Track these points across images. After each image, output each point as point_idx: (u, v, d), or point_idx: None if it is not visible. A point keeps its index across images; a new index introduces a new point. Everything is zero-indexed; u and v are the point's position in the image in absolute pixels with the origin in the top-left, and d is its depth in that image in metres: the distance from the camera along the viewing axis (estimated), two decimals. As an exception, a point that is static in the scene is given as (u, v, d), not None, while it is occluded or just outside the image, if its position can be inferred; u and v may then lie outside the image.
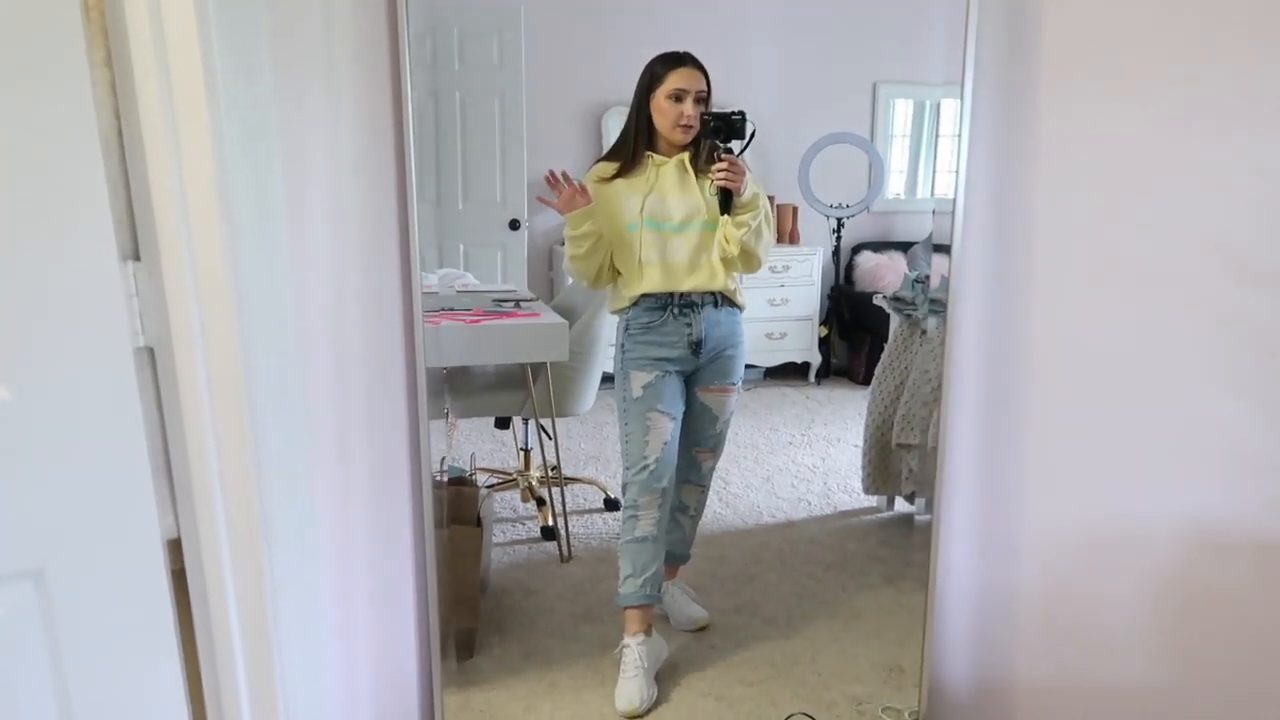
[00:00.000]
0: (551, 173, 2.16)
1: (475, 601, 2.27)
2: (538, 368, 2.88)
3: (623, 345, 2.25)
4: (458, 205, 4.96)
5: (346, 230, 1.55)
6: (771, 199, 5.15)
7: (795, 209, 5.27)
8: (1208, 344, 1.53)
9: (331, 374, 1.56)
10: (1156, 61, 1.53)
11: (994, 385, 1.80)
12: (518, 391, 2.94)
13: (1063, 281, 1.68)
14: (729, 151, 2.08)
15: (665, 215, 2.17)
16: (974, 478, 1.85)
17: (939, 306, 2.98)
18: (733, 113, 2.10)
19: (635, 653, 2.15)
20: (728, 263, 2.19)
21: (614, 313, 2.28)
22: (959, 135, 1.69)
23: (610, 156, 2.25)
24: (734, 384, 2.32)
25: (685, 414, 2.31)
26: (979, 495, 1.85)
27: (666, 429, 2.22)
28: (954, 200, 1.71)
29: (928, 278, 3.20)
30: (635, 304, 2.19)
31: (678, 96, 2.13)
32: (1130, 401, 1.62)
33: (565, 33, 4.37)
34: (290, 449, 1.32)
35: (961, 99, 1.66)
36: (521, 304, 2.87)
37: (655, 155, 2.19)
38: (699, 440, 2.36)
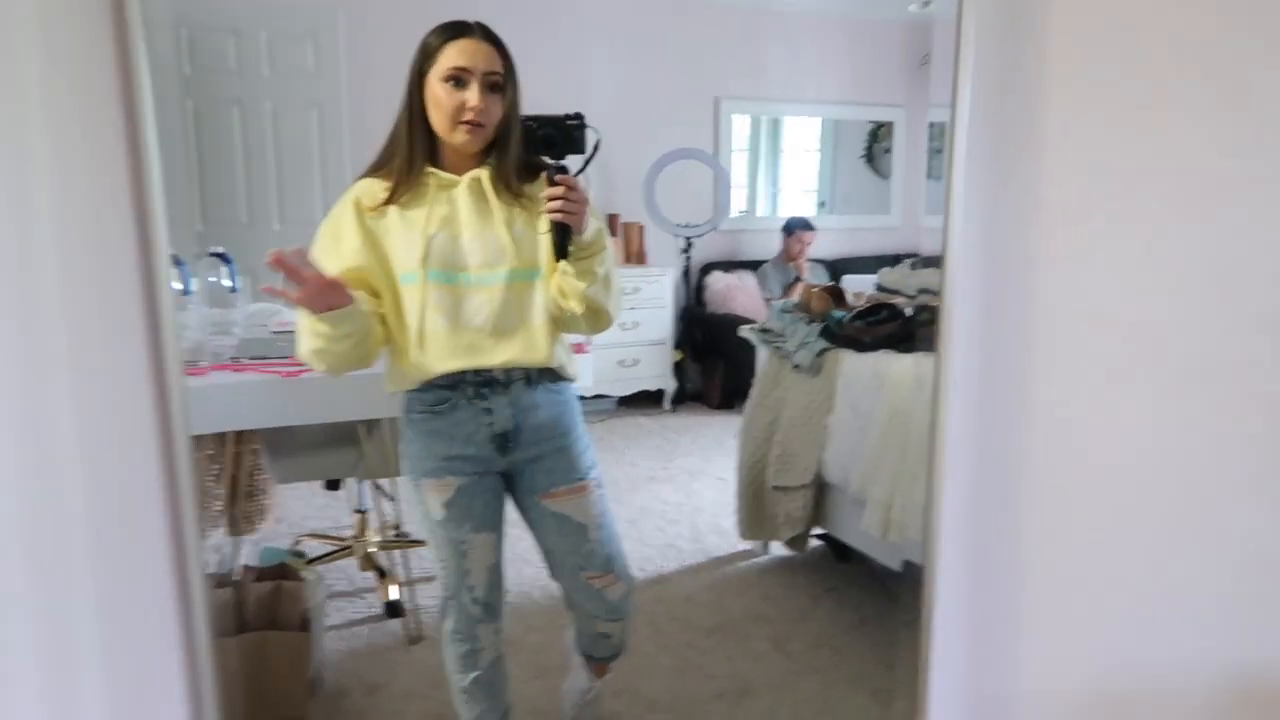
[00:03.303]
0: (280, 255, 1.39)
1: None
2: (373, 420, 2.49)
3: (405, 435, 1.67)
4: (273, 226, 4.46)
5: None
6: (615, 217, 4.94)
7: (642, 228, 5.07)
8: (1256, 449, 1.30)
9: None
10: (1194, 73, 1.28)
11: (985, 498, 1.49)
12: (350, 449, 2.53)
13: (1074, 368, 1.42)
14: (563, 170, 1.49)
15: (458, 262, 1.55)
16: (961, 613, 1.52)
17: (811, 340, 2.80)
18: (567, 116, 1.50)
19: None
20: (562, 323, 1.62)
21: (391, 393, 1.66)
22: (947, 172, 1.36)
23: (379, 170, 1.59)
24: (582, 480, 1.70)
25: (534, 528, 1.75)
26: (966, 635, 1.53)
27: (490, 549, 1.70)
28: (942, 261, 1.41)
29: (795, 306, 3.02)
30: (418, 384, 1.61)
31: (457, 79, 1.49)
32: (1156, 522, 1.38)
33: (390, 39, 3.97)
34: None
35: (952, 125, 1.36)
36: (351, 348, 2.47)
37: (440, 173, 1.57)
38: (580, 562, 1.73)
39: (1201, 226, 1.35)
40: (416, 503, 1.68)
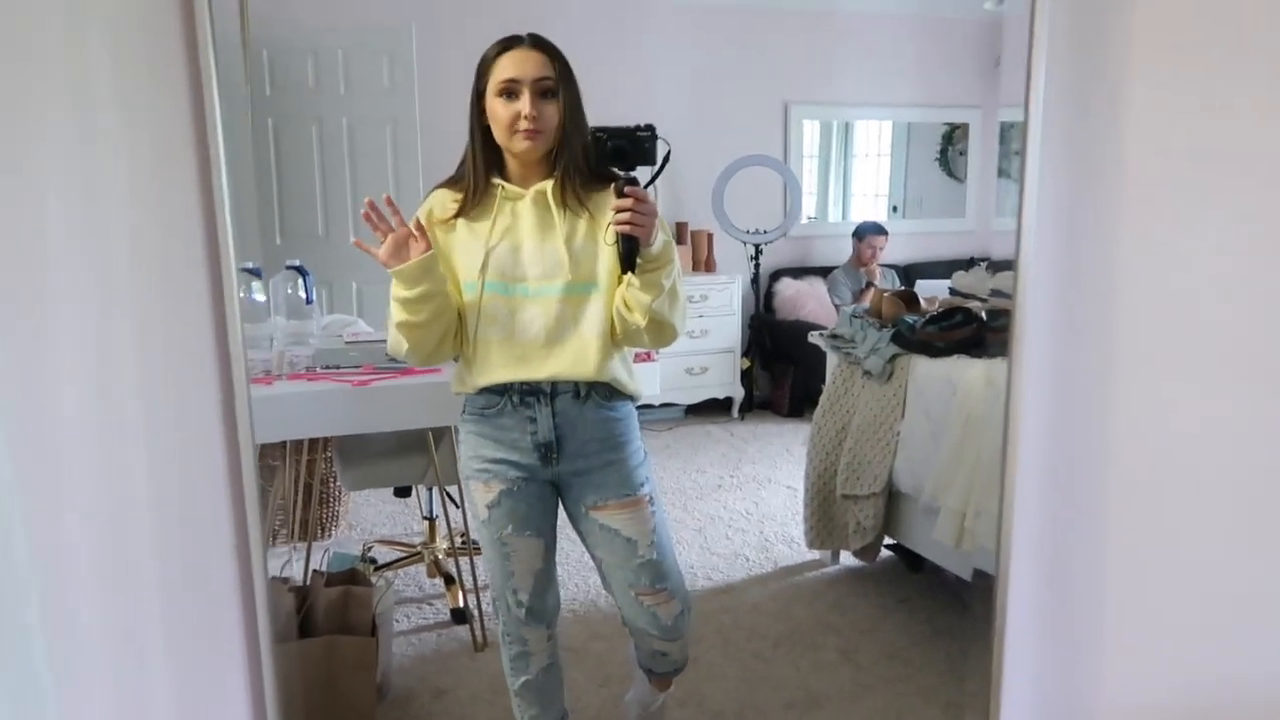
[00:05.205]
0: (371, 204, 1.48)
1: (371, 724, 1.90)
2: (441, 428, 2.53)
3: (458, 436, 1.71)
4: (349, 240, 4.55)
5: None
6: (683, 225, 4.93)
7: (710, 235, 5.04)
8: None
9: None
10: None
11: (1062, 504, 1.45)
12: (419, 457, 2.57)
13: (1154, 370, 1.37)
14: (633, 182, 1.48)
15: (517, 274, 1.57)
16: (1035, 625, 1.48)
17: (882, 345, 2.75)
18: (638, 127, 1.51)
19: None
20: (625, 336, 1.60)
21: (455, 393, 1.69)
22: (1021, 177, 1.33)
23: (454, 184, 1.64)
24: (632, 495, 1.66)
25: (585, 540, 1.73)
26: (1041, 648, 1.49)
27: (534, 554, 1.68)
28: (1015, 263, 1.38)
29: (866, 311, 2.96)
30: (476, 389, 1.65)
31: (509, 91, 1.51)
32: (1242, 530, 1.33)
33: (461, 54, 4.03)
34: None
35: (1025, 125, 1.32)
36: (418, 357, 2.51)
37: (507, 186, 1.59)
38: (630, 578, 1.69)
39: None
40: (467, 503, 1.72)
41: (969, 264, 4.19)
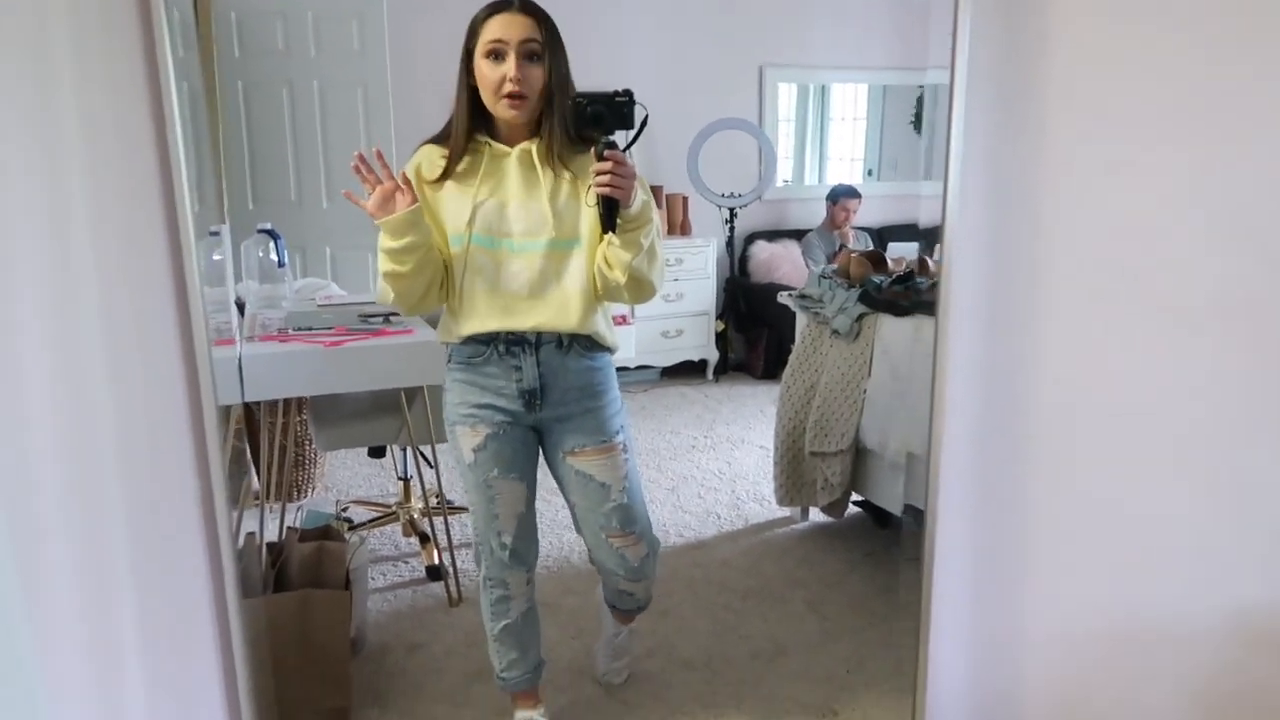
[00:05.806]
0: (361, 158, 1.53)
1: (345, 676, 1.94)
2: (414, 389, 2.55)
3: (446, 384, 1.76)
4: (321, 204, 4.53)
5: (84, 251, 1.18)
6: (659, 189, 4.93)
7: (685, 199, 5.04)
8: (1261, 389, 1.29)
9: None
10: (1200, 16, 1.27)
11: (990, 444, 1.50)
12: (393, 417, 2.59)
13: (1078, 317, 1.41)
14: (612, 145, 1.52)
15: (503, 229, 1.63)
16: (968, 559, 1.54)
17: (849, 305, 2.78)
18: (616, 93, 1.54)
19: (532, 732, 1.86)
20: (606, 293, 1.67)
21: (441, 343, 1.76)
22: (947, 137, 1.37)
23: (441, 141, 1.68)
24: (608, 441, 1.74)
25: (561, 485, 1.81)
26: (974, 581, 1.55)
27: (518, 496, 1.75)
28: (941, 225, 1.41)
29: (835, 272, 3.00)
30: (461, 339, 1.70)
31: (495, 52, 1.54)
32: (1162, 464, 1.38)
33: (430, 17, 4.00)
34: None
35: (951, 91, 1.35)
36: (391, 319, 2.52)
37: (494, 144, 1.64)
38: (601, 520, 1.77)
39: (1205, 173, 1.33)
40: (452, 448, 1.75)
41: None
